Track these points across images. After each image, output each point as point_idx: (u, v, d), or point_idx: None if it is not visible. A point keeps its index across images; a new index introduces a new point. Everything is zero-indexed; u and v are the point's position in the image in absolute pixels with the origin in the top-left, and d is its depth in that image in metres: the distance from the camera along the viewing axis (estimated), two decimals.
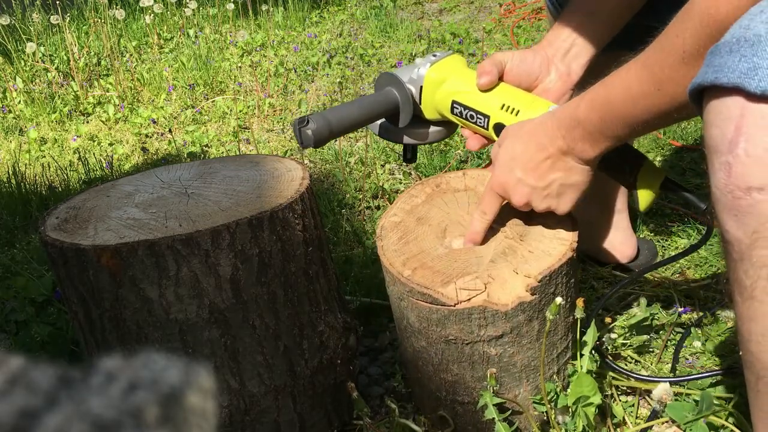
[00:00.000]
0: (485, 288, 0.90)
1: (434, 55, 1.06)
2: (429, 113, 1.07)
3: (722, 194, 0.60)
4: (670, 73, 0.69)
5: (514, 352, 0.95)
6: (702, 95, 0.62)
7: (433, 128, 1.11)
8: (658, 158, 2.00)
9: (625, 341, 1.21)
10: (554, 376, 1.04)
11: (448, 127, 1.11)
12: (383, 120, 1.10)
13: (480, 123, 1.02)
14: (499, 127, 1.00)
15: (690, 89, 0.63)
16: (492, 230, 0.99)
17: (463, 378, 0.98)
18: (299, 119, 0.96)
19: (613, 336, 1.19)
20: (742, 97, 0.57)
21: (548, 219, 0.98)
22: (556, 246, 0.95)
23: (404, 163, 1.18)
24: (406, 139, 1.11)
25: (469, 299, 0.89)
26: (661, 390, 0.99)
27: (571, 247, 0.95)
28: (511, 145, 0.91)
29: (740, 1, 0.61)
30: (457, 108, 1.04)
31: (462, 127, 1.08)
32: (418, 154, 2.19)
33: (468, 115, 1.03)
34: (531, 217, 1.00)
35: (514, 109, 0.99)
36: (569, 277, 0.96)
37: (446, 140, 2.32)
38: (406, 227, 1.03)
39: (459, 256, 0.96)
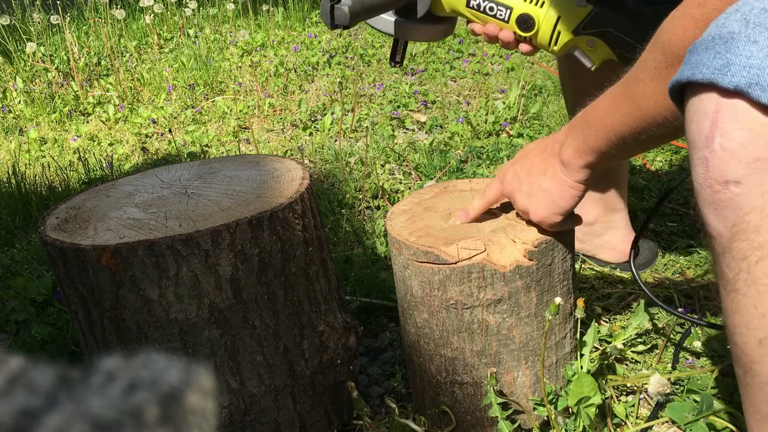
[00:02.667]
0: (485, 249, 0.95)
1: None
2: (439, 9, 1.04)
3: (702, 188, 0.62)
4: (643, 88, 0.74)
5: (512, 324, 0.98)
6: (683, 94, 0.65)
7: (437, 26, 1.07)
8: (658, 158, 2.00)
9: (625, 341, 1.21)
10: (553, 367, 1.04)
11: (451, 25, 1.09)
12: (396, 17, 1.07)
13: (500, 15, 0.99)
14: (523, 19, 0.97)
15: (670, 87, 0.65)
16: (493, 215, 1.04)
17: (463, 353, 1.00)
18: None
19: (617, 345, 1.19)
20: (717, 93, 0.59)
21: None
22: None
23: (390, 65, 1.16)
24: (414, 36, 1.08)
25: (470, 258, 0.94)
26: (656, 383, 0.99)
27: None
28: (528, 146, 0.98)
29: (688, 36, 0.67)
30: (475, 0, 1.00)
31: (471, 22, 1.04)
32: (418, 154, 2.19)
33: (487, 8, 0.99)
34: None
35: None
36: (566, 253, 0.99)
37: (446, 140, 2.32)
38: (414, 212, 1.08)
39: (461, 227, 1.02)
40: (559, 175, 0.91)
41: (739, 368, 0.66)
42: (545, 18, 0.99)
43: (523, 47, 1.07)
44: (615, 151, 0.83)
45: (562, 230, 0.97)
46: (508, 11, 0.98)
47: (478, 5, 0.99)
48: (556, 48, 1.04)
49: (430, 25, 1.08)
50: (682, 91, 0.64)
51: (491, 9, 0.98)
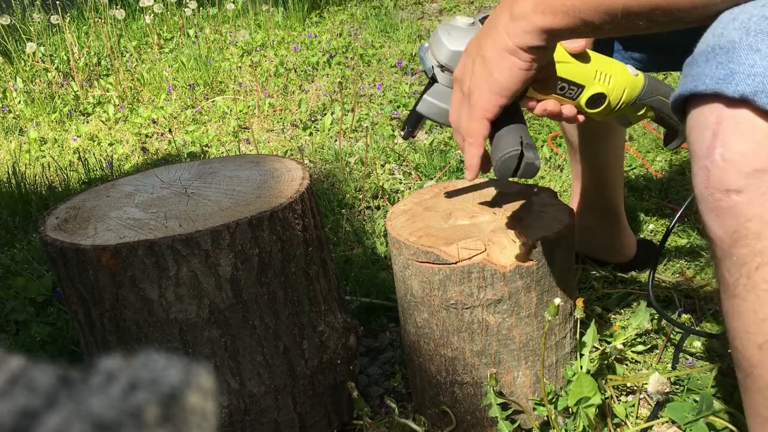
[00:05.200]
0: (485, 249, 0.95)
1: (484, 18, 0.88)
2: None
3: (703, 196, 0.63)
4: None
5: (512, 324, 0.98)
6: (685, 107, 0.65)
7: None
8: (658, 158, 2.00)
9: (625, 341, 1.21)
10: (553, 367, 1.04)
11: None
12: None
13: (570, 94, 0.95)
14: (595, 98, 0.95)
15: (672, 101, 0.65)
16: (493, 215, 1.04)
17: (463, 352, 1.00)
18: (513, 154, 0.78)
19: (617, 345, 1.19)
20: (720, 103, 0.59)
21: (546, 208, 1.04)
22: (553, 225, 0.99)
23: (401, 134, 1.01)
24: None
25: (470, 258, 0.94)
26: (655, 382, 0.99)
27: (567, 226, 0.98)
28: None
29: None
30: None
31: (525, 99, 0.94)
32: (418, 154, 2.19)
33: (557, 88, 0.94)
34: (530, 207, 1.06)
35: (606, 75, 0.95)
36: (566, 252, 0.99)
37: (446, 140, 2.32)
38: (414, 212, 1.08)
39: (462, 227, 1.01)
40: (501, 36, 0.71)
41: (739, 372, 0.66)
42: (614, 94, 0.97)
43: (570, 114, 0.97)
44: (596, 23, 0.66)
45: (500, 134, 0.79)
46: (580, 90, 0.95)
47: None
48: (611, 116, 1.01)
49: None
50: (684, 105, 0.64)
51: (562, 89, 0.95)
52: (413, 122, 0.98)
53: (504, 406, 0.98)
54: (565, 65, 0.93)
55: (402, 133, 1.00)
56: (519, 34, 0.70)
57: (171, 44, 3.96)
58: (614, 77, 0.96)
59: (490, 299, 0.96)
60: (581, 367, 1.03)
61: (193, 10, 4.09)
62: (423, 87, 0.95)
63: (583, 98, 0.96)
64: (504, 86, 0.74)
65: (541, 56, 0.72)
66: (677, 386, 1.13)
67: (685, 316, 1.29)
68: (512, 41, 0.71)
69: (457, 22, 0.89)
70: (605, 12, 0.65)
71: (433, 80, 0.91)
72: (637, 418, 1.08)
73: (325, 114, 2.74)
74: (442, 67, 0.89)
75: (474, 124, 0.78)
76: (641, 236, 1.59)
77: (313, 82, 3.18)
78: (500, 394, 0.99)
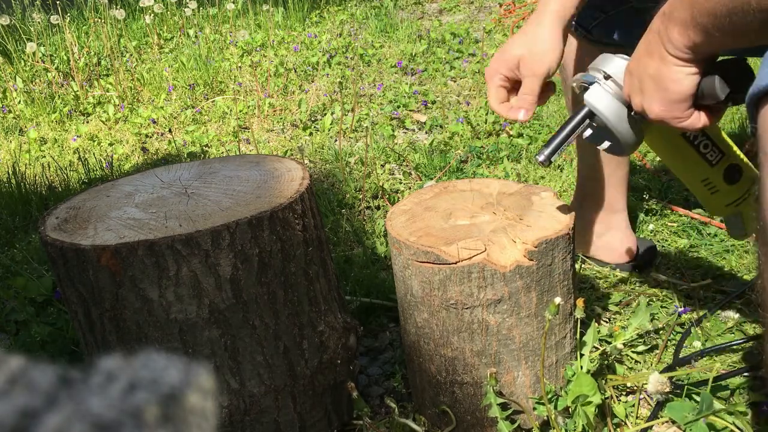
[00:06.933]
0: (485, 249, 0.95)
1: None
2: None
3: None
4: None
5: (512, 324, 0.98)
6: (759, 102, 0.62)
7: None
8: (658, 158, 2.00)
9: (625, 341, 1.21)
10: (553, 367, 1.04)
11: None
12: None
13: (710, 157, 0.92)
14: (733, 170, 0.91)
15: (747, 99, 0.63)
16: (493, 215, 1.04)
17: (463, 352, 1.01)
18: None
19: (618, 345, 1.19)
20: None
21: (546, 208, 1.05)
22: (553, 224, 0.99)
23: (539, 160, 0.94)
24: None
25: (470, 258, 0.94)
26: (655, 381, 0.99)
27: (567, 226, 0.99)
28: None
29: None
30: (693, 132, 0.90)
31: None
32: (418, 154, 2.19)
33: (701, 145, 0.92)
34: (530, 207, 1.06)
35: (740, 155, 0.92)
36: (566, 253, 0.99)
37: (447, 140, 2.32)
38: (414, 212, 1.08)
39: (462, 228, 1.02)
40: (666, 55, 0.78)
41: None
42: (749, 175, 0.92)
43: None
44: (723, 34, 0.70)
45: (696, 127, 0.82)
46: (720, 156, 0.91)
47: (694, 137, 0.91)
48: (727, 211, 0.95)
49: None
50: (758, 103, 0.62)
51: (705, 146, 0.91)
52: (559, 144, 0.93)
53: (504, 406, 0.98)
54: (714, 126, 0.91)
55: (540, 158, 0.92)
56: (682, 52, 0.77)
57: (171, 44, 3.96)
58: (745, 160, 0.92)
59: (490, 299, 0.96)
60: (581, 367, 1.03)
61: (193, 10, 4.09)
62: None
63: (722, 166, 0.92)
64: (682, 93, 0.80)
65: (702, 62, 0.78)
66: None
67: (685, 316, 1.29)
68: (679, 56, 0.78)
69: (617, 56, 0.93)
70: (710, 14, 0.69)
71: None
72: (637, 418, 1.08)
73: (325, 114, 2.74)
74: (607, 77, 0.90)
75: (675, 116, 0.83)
76: (641, 236, 1.59)
77: (313, 82, 3.18)
78: (500, 394, 0.99)
